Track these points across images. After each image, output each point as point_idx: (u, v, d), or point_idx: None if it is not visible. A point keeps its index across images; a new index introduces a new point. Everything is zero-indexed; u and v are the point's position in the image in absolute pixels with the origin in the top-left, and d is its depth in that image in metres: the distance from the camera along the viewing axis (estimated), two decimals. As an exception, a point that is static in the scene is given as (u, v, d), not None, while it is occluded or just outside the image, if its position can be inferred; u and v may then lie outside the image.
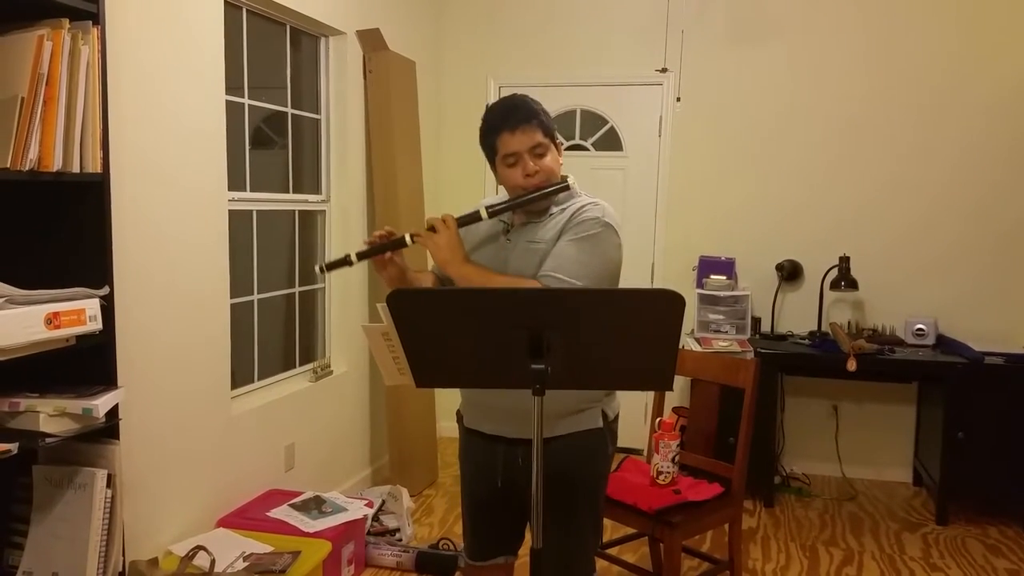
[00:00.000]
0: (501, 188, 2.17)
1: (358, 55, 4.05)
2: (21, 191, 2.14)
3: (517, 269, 2.00)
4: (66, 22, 2.00)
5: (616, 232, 2.02)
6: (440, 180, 5.04)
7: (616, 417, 2.14)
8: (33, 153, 1.94)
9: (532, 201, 2.03)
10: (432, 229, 2.01)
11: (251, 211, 3.51)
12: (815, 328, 4.54)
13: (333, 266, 2.07)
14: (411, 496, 3.89)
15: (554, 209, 2.06)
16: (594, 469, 2.10)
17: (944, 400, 4.03)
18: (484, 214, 2.04)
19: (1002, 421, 3.95)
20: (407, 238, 2.03)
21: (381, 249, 2.05)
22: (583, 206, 2.04)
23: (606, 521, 3.00)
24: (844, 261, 4.41)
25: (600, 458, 2.11)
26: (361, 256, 2.04)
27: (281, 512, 3.13)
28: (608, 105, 4.93)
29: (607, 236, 2.00)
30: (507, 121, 2.02)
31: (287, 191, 3.81)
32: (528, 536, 2.13)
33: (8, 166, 1.89)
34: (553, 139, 2.07)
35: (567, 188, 2.03)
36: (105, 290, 2.13)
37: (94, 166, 2.08)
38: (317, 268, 2.09)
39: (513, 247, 2.06)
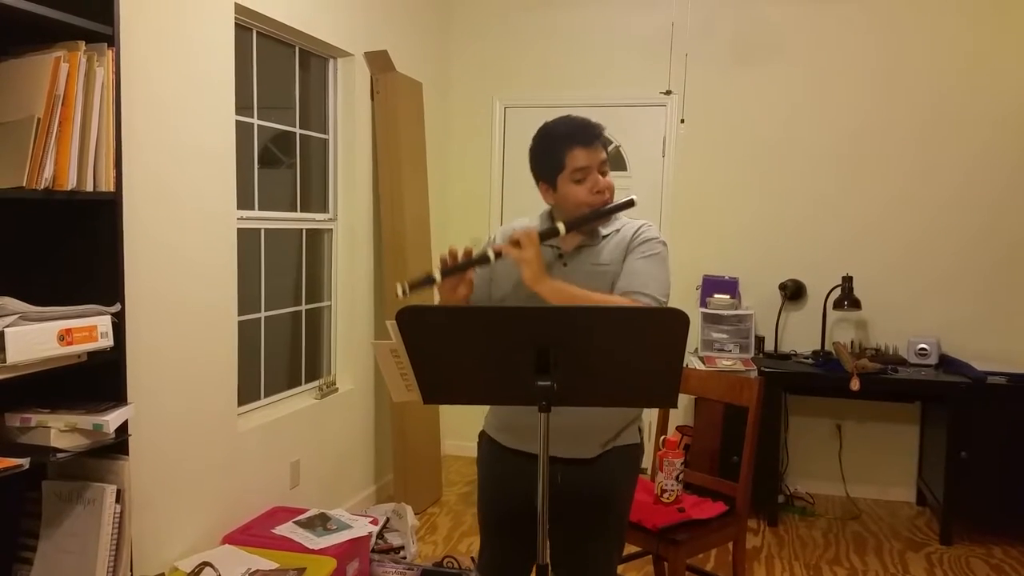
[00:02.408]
0: (520, 213, 2.20)
1: (366, 76, 4.10)
2: (36, 209, 2.18)
3: None
4: (82, 44, 2.04)
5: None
6: (446, 200, 5.08)
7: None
8: (48, 172, 1.97)
9: (605, 216, 2.06)
10: (517, 244, 1.96)
11: (259, 229, 3.55)
12: (818, 347, 4.56)
13: (417, 285, 1.96)
14: (415, 514, 3.90)
15: (605, 231, 2.08)
16: (630, 484, 2.16)
17: (947, 420, 4.03)
18: (562, 229, 1.99)
19: (1005, 440, 3.95)
20: (491, 254, 1.96)
21: (466, 266, 1.98)
22: (640, 227, 2.08)
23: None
24: (847, 281, 4.43)
25: (636, 473, 2.17)
26: (445, 273, 1.96)
27: (286, 529, 3.14)
28: (612, 126, 4.94)
29: (667, 255, 2.07)
30: (582, 136, 2.02)
31: (295, 210, 3.85)
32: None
33: (24, 184, 1.92)
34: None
35: (634, 204, 2.05)
36: (117, 307, 2.15)
37: (107, 185, 2.12)
38: (399, 290, 1.94)
39: (574, 272, 2.04)
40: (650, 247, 2.03)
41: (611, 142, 2.06)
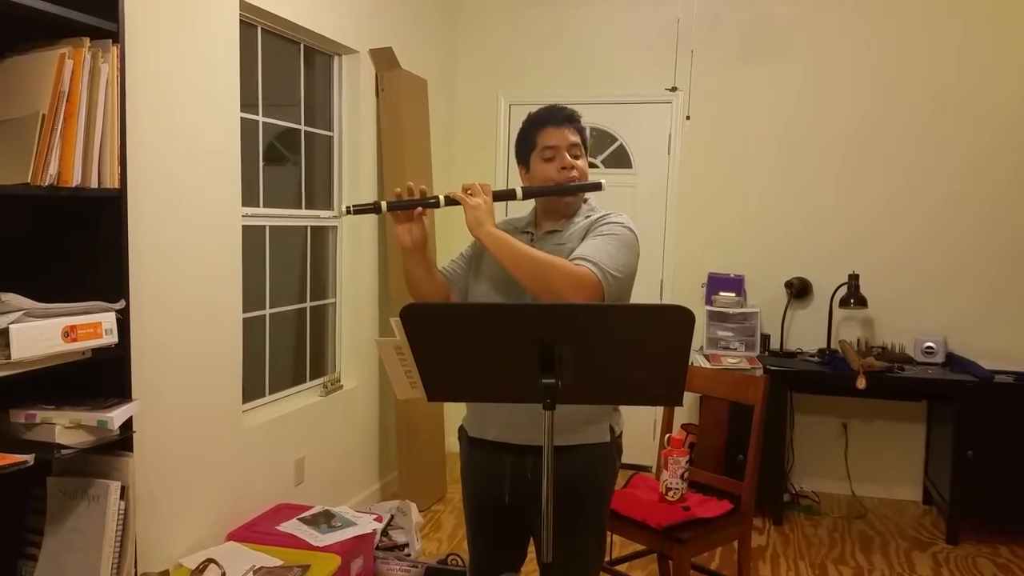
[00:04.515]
0: (521, 207, 2.19)
1: (371, 73, 4.09)
2: (40, 206, 2.18)
3: None
4: (87, 41, 2.03)
5: (637, 242, 2.06)
6: (450, 197, 5.06)
7: (621, 433, 2.15)
8: (53, 169, 1.96)
9: (566, 192, 2.07)
10: (468, 193, 2.01)
11: (264, 227, 3.55)
12: (824, 346, 4.54)
13: (360, 210, 2.01)
14: (420, 511, 3.89)
15: (577, 219, 2.10)
16: (600, 484, 2.10)
17: (954, 418, 4.02)
18: (519, 193, 2.06)
19: (1012, 440, 3.93)
20: (440, 198, 2.00)
21: (412, 204, 2.01)
22: (609, 213, 2.09)
23: (615, 537, 3.01)
24: (853, 279, 4.41)
25: (607, 473, 2.11)
26: (391, 206, 2.00)
27: (291, 526, 3.14)
28: (618, 123, 4.96)
29: (631, 240, 2.03)
30: (552, 117, 2.09)
31: (300, 207, 3.85)
32: (531, 552, 2.14)
33: (28, 181, 1.92)
34: (586, 151, 2.14)
35: (600, 188, 2.07)
36: (121, 304, 2.15)
37: (112, 182, 2.12)
38: (344, 208, 2.05)
39: None
40: (610, 228, 2.02)
41: (587, 131, 2.08)
